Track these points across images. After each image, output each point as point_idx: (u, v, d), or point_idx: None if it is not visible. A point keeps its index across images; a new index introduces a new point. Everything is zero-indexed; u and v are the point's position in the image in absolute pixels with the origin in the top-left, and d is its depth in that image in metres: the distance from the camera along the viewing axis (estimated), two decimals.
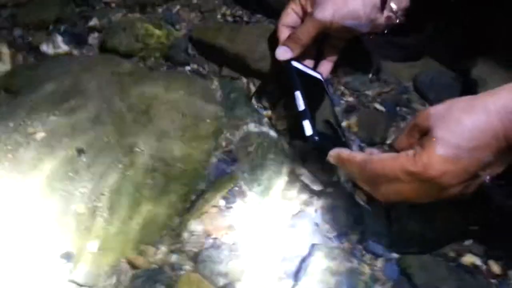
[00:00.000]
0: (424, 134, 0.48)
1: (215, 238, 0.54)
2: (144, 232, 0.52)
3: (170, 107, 0.58)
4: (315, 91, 0.61)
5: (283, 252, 0.53)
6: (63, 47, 0.68)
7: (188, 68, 0.67)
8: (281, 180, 0.58)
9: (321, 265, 0.52)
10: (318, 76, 0.64)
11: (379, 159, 0.49)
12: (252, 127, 0.61)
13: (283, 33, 0.63)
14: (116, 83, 0.59)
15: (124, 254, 0.51)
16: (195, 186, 0.55)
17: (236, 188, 0.57)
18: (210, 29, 0.69)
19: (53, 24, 0.70)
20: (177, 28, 0.71)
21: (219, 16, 0.74)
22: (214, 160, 0.58)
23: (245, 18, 0.75)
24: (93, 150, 0.54)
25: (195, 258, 0.52)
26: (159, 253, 0.52)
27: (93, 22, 0.71)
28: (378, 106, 0.65)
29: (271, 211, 0.56)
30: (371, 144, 0.62)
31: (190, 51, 0.69)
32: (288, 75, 0.59)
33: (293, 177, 0.58)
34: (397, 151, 0.50)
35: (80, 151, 0.54)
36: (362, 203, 0.57)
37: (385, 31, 0.65)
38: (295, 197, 0.57)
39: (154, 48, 0.67)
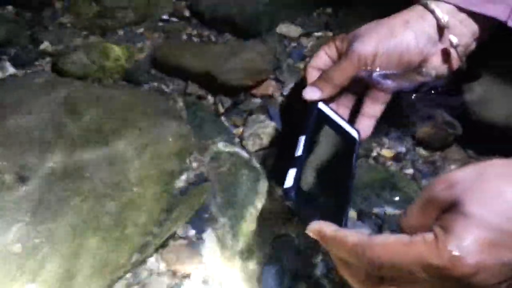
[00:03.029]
0: (445, 211, 0.34)
1: (182, 277, 0.46)
2: (93, 273, 0.43)
3: (125, 125, 0.51)
4: (335, 149, 0.48)
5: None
6: (11, 71, 0.61)
7: (148, 87, 0.61)
8: (258, 202, 0.50)
9: None
10: (354, 132, 0.51)
11: (384, 243, 0.34)
12: (222, 146, 0.54)
13: (312, 75, 0.52)
14: (65, 105, 0.53)
15: None
16: (156, 214, 0.47)
17: (206, 215, 0.50)
18: (174, 48, 0.64)
19: (1, 48, 0.64)
20: (140, 48, 0.66)
21: (184, 37, 0.69)
22: (180, 183, 0.51)
23: (213, 39, 0.70)
24: (36, 176, 0.46)
25: None
26: None
27: (45, 45, 0.65)
28: None
29: (247, 238, 0.48)
30: None
31: (152, 71, 0.63)
32: (307, 115, 0.48)
33: (271, 198, 0.51)
34: (404, 231, 0.37)
35: (23, 179, 0.46)
36: None
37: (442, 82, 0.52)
38: (274, 220, 0.49)
39: (111, 69, 0.61)
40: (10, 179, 0.46)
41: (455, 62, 0.51)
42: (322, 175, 0.44)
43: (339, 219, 0.43)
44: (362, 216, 0.51)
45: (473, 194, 0.33)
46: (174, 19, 0.72)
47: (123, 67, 0.62)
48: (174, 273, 0.46)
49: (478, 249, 0.32)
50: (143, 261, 0.46)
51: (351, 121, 0.53)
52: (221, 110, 0.60)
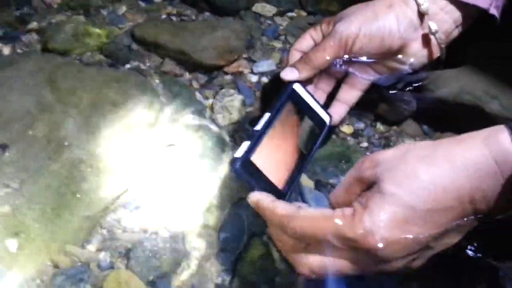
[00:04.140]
0: (368, 188, 0.37)
1: (151, 233, 0.51)
2: (71, 231, 0.49)
3: (100, 99, 0.55)
4: (300, 130, 0.49)
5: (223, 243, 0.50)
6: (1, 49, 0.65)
7: (128, 65, 0.65)
8: (222, 170, 0.55)
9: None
10: (325, 116, 0.52)
11: (307, 216, 0.37)
12: (191, 119, 0.58)
13: (294, 57, 0.52)
14: (46, 78, 0.57)
15: (48, 255, 0.47)
16: (128, 179, 0.52)
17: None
18: (152, 27, 0.68)
19: None
20: (120, 27, 0.70)
21: (164, 16, 0.73)
22: (151, 152, 0.55)
23: (193, 17, 0.74)
24: (18, 145, 0.51)
25: (128, 255, 0.48)
26: (87, 252, 0.48)
27: (33, 24, 0.69)
28: None
29: (209, 200, 0.53)
30: None
31: (132, 48, 0.67)
32: (279, 94, 0.49)
33: None
34: (333, 207, 0.40)
35: (3, 146, 0.51)
36: None
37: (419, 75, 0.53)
38: (236, 186, 0.54)
39: (93, 46, 0.65)
40: None
41: (435, 50, 0.51)
42: (277, 152, 0.46)
43: (282, 195, 0.45)
44: (319, 186, 0.55)
45: (392, 174, 0.35)
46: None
47: (104, 44, 0.66)
48: (144, 230, 0.51)
49: (388, 225, 0.34)
50: (117, 220, 0.51)
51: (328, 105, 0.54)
52: (196, 86, 0.64)
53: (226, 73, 0.64)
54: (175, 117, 0.59)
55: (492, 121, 0.55)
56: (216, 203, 0.52)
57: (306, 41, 0.53)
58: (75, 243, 0.48)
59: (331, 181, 0.55)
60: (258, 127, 0.46)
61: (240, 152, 0.43)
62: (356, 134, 0.60)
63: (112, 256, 0.48)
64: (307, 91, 0.51)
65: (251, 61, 0.66)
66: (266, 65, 0.65)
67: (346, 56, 0.50)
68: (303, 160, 0.48)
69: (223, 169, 0.55)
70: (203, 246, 0.50)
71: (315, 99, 0.52)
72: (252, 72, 0.65)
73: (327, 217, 0.36)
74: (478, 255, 0.42)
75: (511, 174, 0.34)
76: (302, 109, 0.50)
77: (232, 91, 0.62)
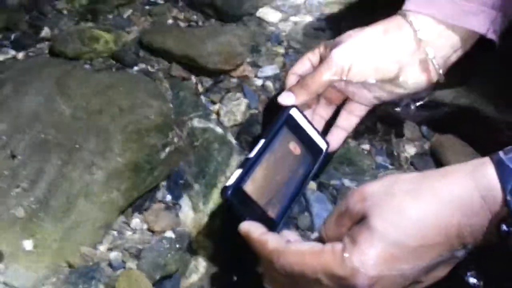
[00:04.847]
0: (357, 222, 0.37)
1: (159, 234, 0.53)
2: (83, 231, 0.50)
3: (109, 103, 0.57)
4: (295, 157, 0.48)
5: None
6: (11, 53, 0.67)
7: (136, 68, 0.67)
8: (229, 172, 0.56)
9: None
10: (322, 143, 0.51)
11: (297, 251, 0.37)
12: (197, 122, 0.60)
13: (291, 81, 0.52)
14: (56, 83, 0.59)
15: (62, 255, 0.49)
16: (137, 181, 0.54)
17: (182, 182, 0.56)
18: (159, 33, 0.69)
19: (1, 33, 0.70)
20: (127, 31, 0.71)
21: (170, 21, 0.74)
22: (162, 155, 0.57)
23: (200, 23, 0.75)
24: (30, 148, 0.53)
25: (138, 255, 0.50)
26: (99, 252, 0.50)
27: (43, 30, 0.71)
28: None
29: (219, 201, 0.54)
30: None
31: (140, 54, 0.69)
32: (276, 119, 0.48)
33: None
34: (323, 241, 0.39)
35: (12, 156, 0.52)
36: None
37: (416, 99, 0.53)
38: None
39: (101, 51, 0.66)
40: (6, 153, 0.52)
41: (433, 75, 0.51)
42: (271, 180, 0.45)
43: (274, 224, 0.45)
44: (321, 187, 0.57)
45: (379, 209, 0.36)
46: (161, 1, 0.77)
47: (112, 50, 0.67)
48: (152, 232, 0.53)
49: (377, 262, 0.34)
50: (127, 222, 0.53)
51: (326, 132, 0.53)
52: (201, 89, 0.66)
53: (232, 77, 0.66)
54: (182, 120, 0.61)
55: (488, 124, 0.57)
56: (223, 204, 0.54)
57: (303, 65, 0.53)
58: (88, 244, 0.50)
59: (332, 182, 0.57)
60: (252, 154, 0.45)
61: (231, 180, 0.43)
62: (357, 136, 0.61)
63: (123, 256, 0.50)
64: (304, 117, 0.50)
65: (256, 66, 0.68)
66: (270, 69, 0.67)
67: (344, 81, 0.50)
68: (298, 188, 0.48)
69: (229, 171, 0.57)
70: (211, 247, 0.51)
71: (312, 125, 0.51)
72: (256, 76, 0.66)
73: (316, 253, 0.36)
74: (479, 283, 0.43)
75: (499, 210, 0.34)
76: (299, 135, 0.49)
77: (238, 94, 0.64)
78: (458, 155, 0.56)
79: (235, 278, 0.50)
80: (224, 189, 0.42)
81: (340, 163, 0.58)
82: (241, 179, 0.43)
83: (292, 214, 0.52)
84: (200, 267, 0.50)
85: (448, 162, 0.56)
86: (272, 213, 0.45)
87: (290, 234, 0.43)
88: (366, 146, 0.60)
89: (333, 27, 0.73)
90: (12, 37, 0.70)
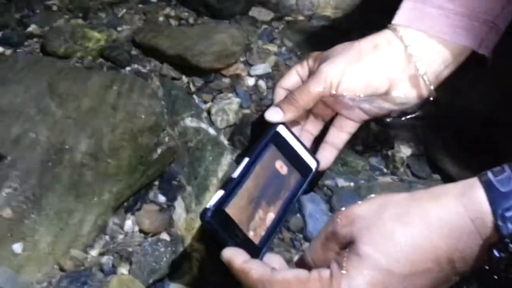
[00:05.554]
0: (345, 246, 0.36)
1: (152, 236, 0.52)
2: (74, 234, 0.50)
3: (101, 103, 0.56)
4: (282, 177, 0.46)
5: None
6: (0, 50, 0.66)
7: (128, 68, 0.66)
8: (220, 173, 0.56)
9: None
10: (311, 161, 0.49)
11: (283, 280, 0.35)
12: (189, 122, 0.60)
13: (279, 95, 0.51)
14: (47, 82, 0.58)
15: (53, 258, 0.48)
16: (130, 182, 0.53)
17: (175, 183, 0.56)
18: (151, 32, 0.68)
19: None
20: (119, 30, 0.70)
21: (162, 19, 0.74)
22: (154, 155, 0.56)
23: (191, 21, 0.75)
24: (20, 148, 0.52)
25: (130, 258, 0.49)
26: (90, 255, 0.50)
27: (33, 28, 0.70)
28: None
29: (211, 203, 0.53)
30: None
31: (132, 53, 0.68)
32: (261, 137, 0.46)
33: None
34: (308, 266, 0.38)
35: (1, 157, 0.51)
36: None
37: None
38: None
39: (92, 49, 0.66)
40: None
41: (424, 90, 0.50)
42: (256, 202, 0.43)
43: (257, 250, 0.42)
44: (315, 188, 0.56)
45: (368, 234, 0.35)
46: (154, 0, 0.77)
47: (104, 48, 0.67)
48: (145, 234, 0.52)
49: None
50: (120, 224, 0.52)
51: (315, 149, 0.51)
52: (193, 89, 0.65)
53: (224, 76, 0.66)
54: (174, 120, 0.60)
55: (483, 123, 0.57)
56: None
57: (292, 78, 0.52)
58: (79, 247, 0.49)
59: (326, 182, 0.57)
60: (235, 174, 0.43)
61: (212, 202, 0.40)
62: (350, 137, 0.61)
63: (114, 260, 0.49)
64: (293, 134, 0.49)
65: (248, 64, 0.67)
66: (263, 68, 0.67)
67: (333, 95, 0.49)
68: (284, 210, 0.45)
69: (221, 172, 0.56)
70: (204, 249, 0.51)
71: (301, 143, 0.49)
72: (249, 75, 0.66)
73: (303, 281, 0.35)
74: None
75: (489, 235, 0.33)
76: (286, 153, 0.47)
77: (230, 94, 0.63)
78: (453, 156, 0.56)
79: (228, 281, 0.49)
80: (204, 211, 0.39)
81: (334, 163, 0.58)
82: (224, 201, 0.40)
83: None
84: (193, 269, 0.49)
85: (443, 163, 0.56)
86: (256, 238, 0.42)
87: (274, 259, 0.41)
88: (359, 147, 0.60)
89: (325, 26, 0.74)
90: (1, 34, 0.69)
